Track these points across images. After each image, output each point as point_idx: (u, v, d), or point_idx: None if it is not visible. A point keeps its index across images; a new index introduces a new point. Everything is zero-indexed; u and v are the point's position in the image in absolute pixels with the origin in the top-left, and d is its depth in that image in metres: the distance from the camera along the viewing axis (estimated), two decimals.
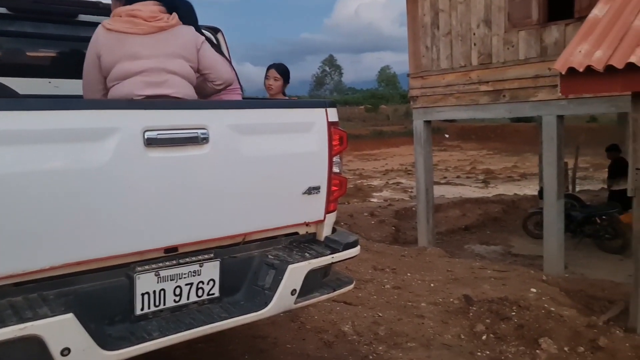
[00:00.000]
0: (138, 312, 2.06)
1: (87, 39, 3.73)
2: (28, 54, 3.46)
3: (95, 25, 3.57)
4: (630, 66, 3.55)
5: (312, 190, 2.53)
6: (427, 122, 8.01)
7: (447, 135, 35.37)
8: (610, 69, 3.65)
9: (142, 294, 2.07)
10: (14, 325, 1.67)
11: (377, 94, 61.55)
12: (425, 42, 7.85)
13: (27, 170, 1.78)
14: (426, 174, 8.05)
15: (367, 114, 50.41)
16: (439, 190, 12.03)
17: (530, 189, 14.69)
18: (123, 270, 2.06)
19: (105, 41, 2.26)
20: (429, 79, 7.84)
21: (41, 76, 3.34)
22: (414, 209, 10.88)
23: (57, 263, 1.88)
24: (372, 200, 14.36)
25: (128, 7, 2.32)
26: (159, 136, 2.03)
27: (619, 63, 3.60)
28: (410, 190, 16.17)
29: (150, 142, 2.01)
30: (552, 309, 3.85)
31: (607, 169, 9.29)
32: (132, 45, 2.25)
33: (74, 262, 1.92)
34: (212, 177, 2.20)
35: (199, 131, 2.13)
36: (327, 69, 74.29)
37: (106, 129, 1.93)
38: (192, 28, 2.46)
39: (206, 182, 2.18)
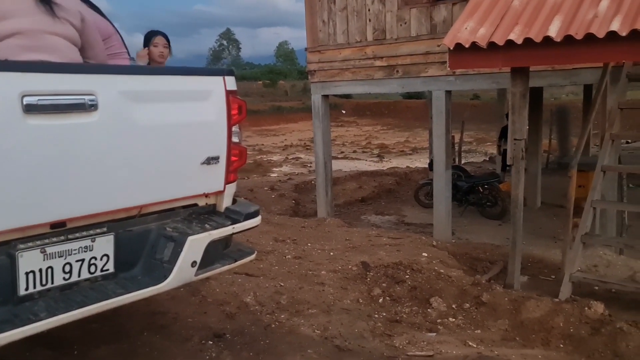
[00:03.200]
0: (22, 292, 1.91)
1: None
2: None
3: None
4: (510, 43, 3.83)
5: (211, 160, 2.47)
6: (325, 97, 8.12)
7: (343, 111, 36.17)
8: (492, 46, 3.91)
9: (27, 273, 1.92)
10: None
11: (275, 70, 61.17)
12: (322, 16, 7.90)
13: None
14: (324, 147, 8.19)
15: (266, 89, 50.02)
16: (336, 165, 12.31)
17: (420, 162, 15.53)
18: (3, 249, 1.89)
19: None
20: (326, 53, 7.92)
21: None
22: (313, 182, 11.08)
23: None
24: (272, 175, 14.39)
25: None
26: (39, 102, 1.87)
27: (500, 40, 3.86)
28: (309, 165, 16.39)
29: (29, 109, 1.84)
30: (442, 271, 4.12)
31: (500, 131, 10.13)
32: (5, 5, 2.03)
33: None
34: (102, 146, 2.07)
35: (87, 97, 1.99)
36: (224, 43, 72.43)
37: None
38: None
39: (96, 152, 2.05)
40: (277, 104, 39.80)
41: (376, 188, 11.06)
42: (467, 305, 3.66)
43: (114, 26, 2.79)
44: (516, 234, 4.67)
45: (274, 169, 16.26)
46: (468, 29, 4.02)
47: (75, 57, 2.19)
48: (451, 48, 4.04)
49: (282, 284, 3.67)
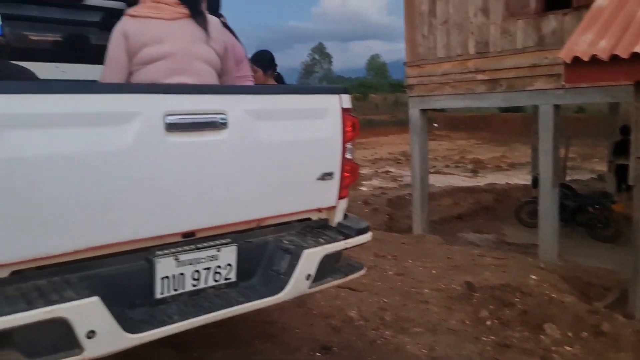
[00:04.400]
0: (158, 295, 2.07)
1: (93, 24, 3.71)
2: (36, 38, 3.42)
3: (103, 9, 3.56)
4: (635, 56, 3.60)
5: (326, 176, 2.54)
6: (423, 111, 8.04)
7: (436, 125, 35.49)
8: (614, 59, 3.70)
9: (162, 278, 2.07)
10: (42, 308, 1.67)
11: (366, 83, 61.46)
12: (422, 30, 7.85)
13: (50, 154, 1.76)
14: (421, 162, 8.09)
15: (356, 102, 50.29)
16: (429, 179, 12.08)
17: (519, 179, 14.84)
18: (143, 255, 2.05)
19: (130, 27, 2.24)
20: (425, 67, 7.86)
21: (48, 60, 3.30)
22: (406, 197, 10.97)
23: (80, 247, 1.88)
24: (362, 188, 14.41)
25: None
26: (179, 121, 2.03)
27: (623, 52, 3.64)
28: (399, 179, 16.24)
29: (170, 127, 2.00)
30: (554, 295, 3.92)
31: (612, 147, 9.51)
32: (158, 30, 2.23)
33: (97, 246, 1.92)
34: (229, 162, 2.20)
35: (218, 116, 2.13)
36: (316, 57, 74.00)
37: (128, 113, 1.92)
38: (217, 20, 2.46)
39: (223, 168, 2.19)
40: (367, 118, 39.92)
41: (473, 205, 10.73)
42: (585, 334, 3.44)
43: (245, 50, 2.97)
44: (638, 260, 4.34)
45: (364, 182, 16.27)
46: (587, 41, 3.83)
47: (213, 82, 2.36)
48: (568, 62, 3.87)
49: (385, 300, 3.66)
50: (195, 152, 2.09)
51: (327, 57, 75.42)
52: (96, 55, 3.60)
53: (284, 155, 2.37)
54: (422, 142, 8.06)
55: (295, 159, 2.41)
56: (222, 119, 2.13)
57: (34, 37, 3.47)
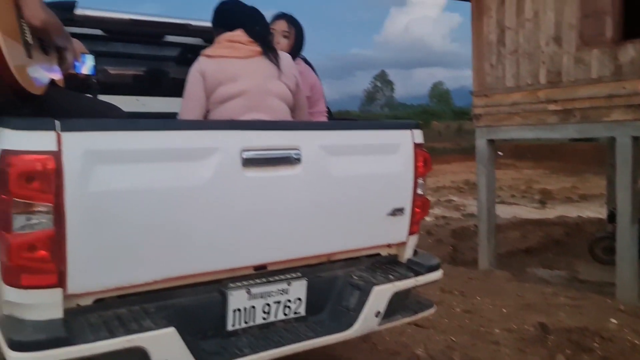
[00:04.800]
0: (229, 327, 2.10)
1: (170, 58, 3.90)
2: (119, 72, 3.63)
3: (181, 45, 3.75)
4: None
5: (396, 211, 2.51)
6: (491, 141, 7.84)
7: (500, 153, 34.41)
8: None
9: (234, 310, 2.10)
10: (122, 337, 1.73)
11: (428, 110, 60.97)
12: (490, 60, 7.72)
13: (134, 188, 1.85)
14: (488, 194, 7.86)
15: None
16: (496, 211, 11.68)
17: (592, 211, 14.07)
18: (216, 286, 2.10)
19: (207, 67, 2.35)
20: (493, 97, 7.69)
21: (129, 94, 3.49)
22: (471, 228, 10.65)
23: (159, 277, 1.94)
24: (425, 218, 14.08)
25: (229, 33, 2.42)
26: (255, 156, 2.08)
27: None
28: (462, 208, 15.82)
29: (247, 162, 2.05)
30: (637, 342, 3.65)
31: None
32: (233, 68, 2.33)
33: (174, 277, 1.98)
34: (302, 197, 2.22)
35: (293, 151, 2.17)
36: (378, 84, 74.29)
37: (208, 149, 1.99)
38: (289, 56, 2.54)
39: (296, 202, 2.21)
40: (430, 145, 39.26)
41: (542, 238, 10.25)
42: None
43: (319, 78, 3.03)
44: None
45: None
46: None
47: (286, 117, 2.42)
48: None
49: (453, 339, 3.54)
50: (269, 187, 2.13)
51: (389, 84, 75.59)
52: (173, 89, 3.79)
53: (355, 190, 2.37)
54: (490, 172, 7.84)
55: (366, 194, 2.41)
56: (296, 154, 2.17)
57: (117, 71, 3.68)
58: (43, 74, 1.94)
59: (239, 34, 2.41)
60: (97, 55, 3.43)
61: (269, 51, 2.41)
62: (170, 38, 3.59)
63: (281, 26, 3.02)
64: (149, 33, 3.37)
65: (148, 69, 3.78)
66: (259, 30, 2.44)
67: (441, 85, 74.44)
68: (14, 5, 1.86)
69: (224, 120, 2.27)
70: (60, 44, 2.06)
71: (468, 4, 8.11)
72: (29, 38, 1.89)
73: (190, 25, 3.28)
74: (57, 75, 2.10)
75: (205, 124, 2.16)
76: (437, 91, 72.51)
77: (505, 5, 7.51)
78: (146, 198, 1.87)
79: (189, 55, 3.90)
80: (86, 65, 2.54)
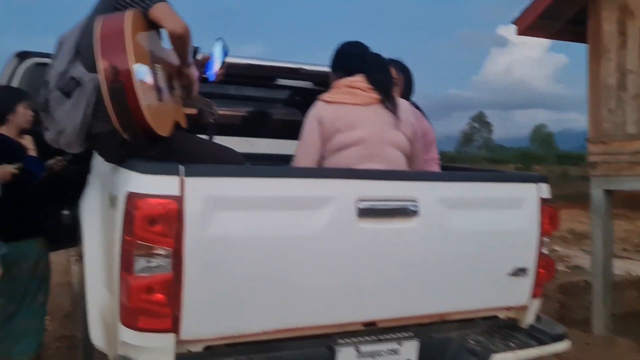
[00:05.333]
0: None
1: (282, 101, 3.98)
2: (231, 114, 3.75)
3: (291, 88, 3.81)
4: None
5: (518, 271, 2.30)
6: (608, 192, 7.19)
7: None
8: None
9: None
10: None
11: (529, 153, 58.08)
12: (609, 104, 7.16)
13: (250, 235, 1.83)
14: (605, 248, 7.16)
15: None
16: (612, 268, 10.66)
17: None
18: (325, 341, 2.00)
19: (325, 112, 2.29)
20: (612, 144, 7.10)
21: (240, 135, 3.58)
22: (581, 284, 9.78)
23: (268, 328, 1.89)
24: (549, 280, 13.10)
25: (348, 79, 2.36)
26: (371, 207, 1.99)
27: None
28: (567, 259, 14.66)
29: (362, 213, 1.97)
30: None
31: None
32: (352, 116, 2.27)
33: (283, 329, 1.91)
34: (417, 251, 2.09)
35: (409, 203, 2.06)
36: (476, 125, 72.46)
37: (324, 198, 1.93)
38: (407, 103, 2.46)
39: (411, 257, 2.09)
40: None
41: None
42: None
43: (430, 123, 2.92)
44: None
45: None
46: None
47: (403, 167, 2.32)
48: None
49: None
50: (384, 239, 2.03)
51: (487, 125, 73.46)
52: (282, 131, 3.84)
53: (474, 247, 2.20)
54: (607, 225, 7.17)
55: (486, 251, 2.23)
56: (414, 206, 2.06)
57: (230, 113, 3.80)
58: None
59: (359, 80, 2.35)
60: (212, 97, 3.57)
61: (388, 99, 2.33)
62: (282, 81, 3.66)
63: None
64: (262, 76, 3.45)
65: (259, 111, 3.87)
66: (381, 79, 2.36)
67: (544, 127, 70.94)
68: (148, 51, 1.94)
69: (341, 168, 2.21)
70: (187, 61, 2.11)
71: (575, 45, 7.66)
72: (161, 81, 1.96)
73: (303, 69, 3.31)
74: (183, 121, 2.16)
75: (322, 172, 2.11)
76: (540, 134, 69.22)
77: (627, 47, 6.98)
78: (260, 246, 1.84)
79: (299, 97, 3.96)
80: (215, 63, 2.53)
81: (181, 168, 1.73)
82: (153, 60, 1.96)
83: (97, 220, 2.27)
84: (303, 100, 3.97)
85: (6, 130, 2.81)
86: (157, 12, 1.91)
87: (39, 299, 2.89)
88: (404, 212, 2.05)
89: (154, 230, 1.70)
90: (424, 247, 2.10)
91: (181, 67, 2.13)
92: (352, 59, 2.42)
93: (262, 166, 2.05)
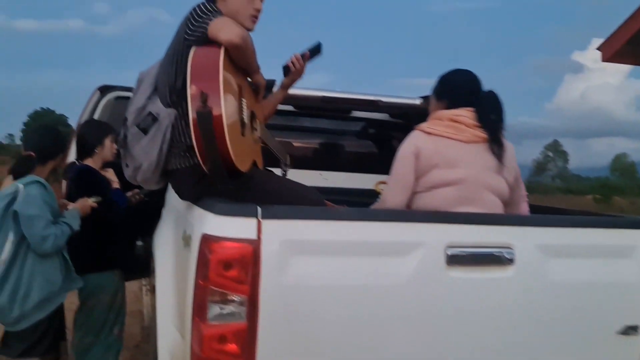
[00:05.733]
0: None
1: (356, 133, 3.87)
2: (304, 146, 3.67)
3: (366, 120, 3.70)
4: None
5: (629, 330, 2.02)
6: None
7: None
8: None
9: None
10: None
11: (609, 184, 54.79)
12: None
13: (329, 283, 1.70)
14: None
15: (597, 205, 44.94)
16: None
17: None
18: None
19: (424, 144, 2.09)
20: None
21: (313, 168, 3.49)
22: None
23: None
24: None
25: (452, 111, 2.14)
26: (461, 253, 1.80)
27: None
28: None
29: (452, 260, 1.79)
30: None
31: None
32: (453, 152, 2.07)
33: None
34: (512, 305, 1.88)
35: (504, 250, 1.85)
36: (550, 154, 69.57)
37: (410, 244, 1.77)
38: (512, 146, 2.22)
39: (505, 311, 1.87)
40: None
41: None
42: None
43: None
44: None
45: None
46: None
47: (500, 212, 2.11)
48: None
49: None
50: (475, 290, 1.84)
51: (563, 154, 70.36)
52: (356, 164, 3.72)
53: (577, 301, 1.96)
54: None
55: (591, 305, 1.98)
56: (509, 253, 1.85)
57: (303, 145, 3.73)
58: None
59: (464, 114, 2.10)
60: (287, 130, 3.50)
61: (495, 141, 2.10)
62: (356, 113, 3.55)
63: None
64: (337, 109, 3.36)
65: (332, 143, 3.78)
66: (493, 118, 2.12)
67: (625, 157, 67.08)
68: (237, 83, 1.89)
69: (430, 211, 2.03)
70: (253, 69, 2.05)
71: None
72: (245, 117, 1.89)
73: (381, 101, 3.18)
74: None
75: (409, 215, 1.93)
76: (620, 163, 65.41)
77: None
78: (341, 295, 1.70)
79: (373, 129, 3.84)
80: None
81: (258, 209, 1.62)
82: (241, 94, 1.91)
83: (170, 257, 2.22)
84: (378, 132, 3.85)
85: (92, 163, 2.86)
86: (212, 29, 1.86)
87: (115, 331, 2.88)
88: (498, 260, 1.84)
89: (229, 276, 1.60)
90: (520, 299, 1.88)
91: (250, 75, 2.08)
92: (462, 89, 2.19)
93: (343, 208, 1.93)
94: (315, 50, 2.33)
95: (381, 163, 3.84)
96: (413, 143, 2.11)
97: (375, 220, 1.77)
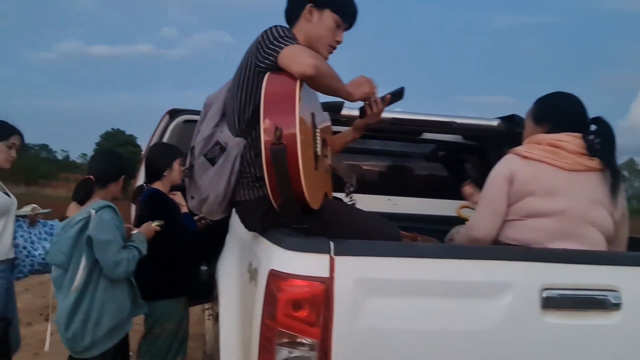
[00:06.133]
0: None
1: (426, 156, 3.68)
2: (371, 170, 3.52)
3: (437, 143, 3.50)
4: None
5: None
6: None
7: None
8: None
9: None
10: None
11: None
12: None
13: (408, 327, 1.52)
14: None
15: None
16: None
17: None
18: None
19: (519, 168, 1.90)
20: None
21: (381, 193, 3.33)
22: None
23: None
24: None
25: (553, 135, 1.94)
26: (559, 296, 1.59)
27: None
28: None
29: (547, 304, 1.58)
30: None
31: None
32: (552, 179, 1.87)
33: None
34: (615, 357, 1.63)
35: (610, 294, 1.62)
36: (625, 173, 65.77)
37: (499, 284, 1.57)
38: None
39: None
40: None
41: None
42: None
43: None
44: None
45: None
46: None
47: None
48: None
49: None
50: (574, 339, 1.62)
51: (639, 174, 66.30)
52: (427, 189, 3.52)
53: None
54: None
55: None
56: (615, 297, 1.62)
57: (370, 169, 3.58)
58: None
59: (566, 139, 1.91)
60: (354, 153, 3.36)
61: (610, 171, 1.88)
62: (427, 135, 3.37)
63: None
64: (408, 131, 3.19)
65: (401, 167, 3.61)
66: (607, 145, 1.91)
67: None
68: (311, 113, 1.77)
69: (522, 248, 1.82)
70: (341, 94, 1.86)
71: None
72: (319, 148, 1.77)
73: (455, 122, 2.99)
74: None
75: (498, 252, 1.73)
76: None
77: None
78: (420, 341, 1.52)
79: (444, 152, 3.63)
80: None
81: (331, 245, 1.48)
82: (314, 124, 1.78)
83: (235, 288, 2.12)
84: (449, 155, 3.65)
85: (160, 186, 2.85)
86: (283, 59, 1.69)
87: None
88: (602, 304, 1.61)
89: (299, 317, 1.46)
90: (626, 351, 1.64)
91: (346, 100, 1.91)
92: (566, 113, 2.00)
93: (424, 244, 1.76)
94: (398, 96, 2.14)
95: (452, 188, 3.63)
96: (507, 166, 1.91)
97: (459, 257, 1.58)
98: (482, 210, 1.94)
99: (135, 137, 44.27)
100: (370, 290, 1.49)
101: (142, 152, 3.63)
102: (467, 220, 2.50)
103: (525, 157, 1.91)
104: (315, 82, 1.70)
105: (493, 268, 1.58)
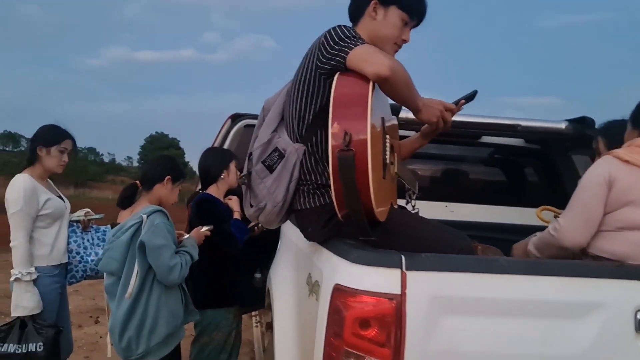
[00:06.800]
0: None
1: (485, 161, 3.50)
2: (428, 176, 3.38)
3: (497, 147, 3.32)
4: None
5: None
6: None
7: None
8: None
9: None
10: None
11: None
12: None
13: (486, 349, 1.39)
14: None
15: None
16: None
17: None
18: None
19: (620, 173, 1.75)
20: None
21: (437, 199, 3.17)
22: None
23: None
24: None
25: None
26: None
27: None
28: None
29: None
30: None
31: None
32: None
33: None
34: None
35: None
36: None
37: (589, 304, 1.42)
38: None
39: None
40: None
41: None
42: None
43: None
44: None
45: None
46: None
47: None
48: None
49: None
50: None
51: None
52: (485, 195, 3.35)
53: None
54: None
55: None
56: None
57: (427, 175, 3.43)
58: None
59: None
60: (411, 158, 3.21)
61: None
62: (486, 138, 3.20)
63: None
64: (467, 134, 3.03)
65: (459, 172, 3.44)
66: None
67: None
68: (381, 118, 1.66)
69: (615, 264, 1.66)
70: (413, 104, 1.70)
71: None
72: (387, 156, 1.65)
73: (520, 125, 2.80)
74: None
75: (588, 268, 1.57)
76: None
77: None
78: None
79: (504, 156, 3.46)
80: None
81: (403, 259, 1.37)
82: (384, 128, 1.66)
83: (291, 300, 2.03)
84: (510, 159, 3.47)
85: (215, 191, 2.80)
86: (353, 59, 1.55)
87: None
88: None
89: (367, 336, 1.35)
90: None
91: (410, 109, 1.74)
92: None
93: (504, 258, 1.61)
94: (470, 100, 1.98)
95: (513, 194, 3.45)
96: (607, 170, 1.75)
97: (544, 274, 1.44)
98: (575, 216, 1.79)
99: (178, 141, 45.16)
100: (445, 309, 1.37)
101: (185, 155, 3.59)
102: (547, 223, 2.32)
103: (627, 162, 1.74)
104: (390, 85, 1.55)
105: (582, 286, 1.43)
